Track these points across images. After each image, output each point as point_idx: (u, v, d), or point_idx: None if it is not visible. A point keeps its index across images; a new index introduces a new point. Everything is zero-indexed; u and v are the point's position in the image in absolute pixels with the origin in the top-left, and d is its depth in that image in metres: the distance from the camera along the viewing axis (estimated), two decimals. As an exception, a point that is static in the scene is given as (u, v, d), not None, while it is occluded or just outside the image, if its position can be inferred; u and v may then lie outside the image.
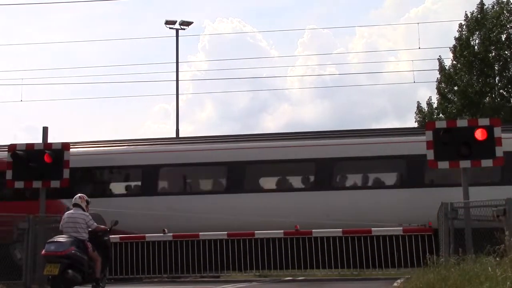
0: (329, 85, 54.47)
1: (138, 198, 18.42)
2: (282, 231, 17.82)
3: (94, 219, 11.23)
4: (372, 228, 17.22)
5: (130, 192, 19.23)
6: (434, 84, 34.83)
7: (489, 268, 7.51)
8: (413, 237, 17.05)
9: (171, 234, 18.16)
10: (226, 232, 18.35)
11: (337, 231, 17.49)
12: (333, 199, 17.86)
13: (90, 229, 10.84)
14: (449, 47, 34.04)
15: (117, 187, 19.58)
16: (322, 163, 18.06)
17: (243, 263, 18.17)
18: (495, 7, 33.39)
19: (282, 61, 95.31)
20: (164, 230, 18.14)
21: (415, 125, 37.91)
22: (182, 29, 31.46)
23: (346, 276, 18.12)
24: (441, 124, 14.58)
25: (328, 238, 17.51)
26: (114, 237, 17.22)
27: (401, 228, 17.02)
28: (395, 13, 68.90)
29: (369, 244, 17.36)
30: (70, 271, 10.05)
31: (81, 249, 10.39)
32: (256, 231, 17.87)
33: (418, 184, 17.50)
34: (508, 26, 33.03)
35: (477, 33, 33.40)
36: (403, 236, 17.17)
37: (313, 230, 17.67)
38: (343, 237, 17.44)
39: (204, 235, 18.43)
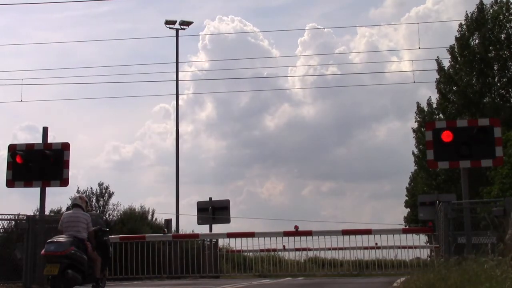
0: (330, 84, 54.50)
1: None
2: (282, 231, 17.85)
3: (94, 219, 11.25)
4: (372, 228, 17.25)
5: None
6: (434, 84, 34.87)
7: (489, 268, 7.51)
8: (413, 236, 17.10)
9: (171, 234, 18.16)
10: (226, 232, 18.33)
11: (337, 231, 17.50)
12: None
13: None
14: (446, 48, 34.06)
15: None
16: None
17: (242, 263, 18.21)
18: (494, 6, 33.36)
19: (284, 60, 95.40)
20: (164, 230, 18.14)
21: (415, 125, 37.99)
22: (182, 29, 31.45)
23: (346, 276, 18.14)
24: (441, 124, 14.59)
25: (328, 237, 17.54)
26: (114, 237, 17.23)
27: (401, 228, 17.11)
28: (396, 13, 68.98)
29: (369, 244, 17.39)
30: (70, 271, 10.03)
31: (81, 249, 10.38)
32: (256, 231, 17.89)
33: None
34: (507, 25, 33.01)
35: (476, 33, 33.39)
36: (403, 236, 17.24)
37: (312, 230, 17.69)
38: (343, 237, 17.45)
39: (203, 235, 18.42)
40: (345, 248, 18.43)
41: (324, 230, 18.13)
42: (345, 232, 17.41)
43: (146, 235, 18.78)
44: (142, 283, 16.22)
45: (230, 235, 18.56)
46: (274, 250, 20.45)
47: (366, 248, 18.25)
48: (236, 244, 19.08)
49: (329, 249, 19.05)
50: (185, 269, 18.34)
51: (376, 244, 18.19)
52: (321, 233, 18.00)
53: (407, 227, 37.57)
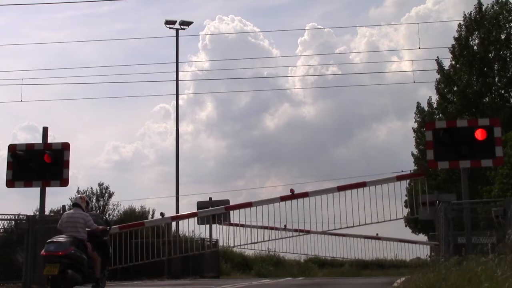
0: (331, 84, 54.53)
1: None
2: (279, 196, 17.86)
3: (94, 219, 11.22)
4: (366, 180, 17.28)
5: None
6: (434, 84, 34.84)
7: (489, 268, 7.50)
8: (406, 183, 17.12)
9: (170, 216, 18.18)
10: (223, 206, 18.37)
11: (333, 188, 17.46)
12: None
13: (88, 229, 10.82)
14: (448, 47, 34.04)
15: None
16: None
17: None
18: (494, 7, 33.34)
19: (284, 60, 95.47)
20: (162, 214, 18.16)
21: (415, 125, 37.96)
22: (182, 29, 31.49)
23: (346, 275, 18.17)
24: (441, 124, 14.60)
25: (324, 196, 17.38)
26: (113, 227, 17.15)
27: (395, 176, 17.27)
28: (396, 13, 69.03)
29: (364, 197, 17.34)
30: (69, 271, 10.03)
31: (81, 249, 10.37)
32: (253, 201, 17.94)
33: None
34: (507, 26, 32.99)
35: (476, 33, 33.36)
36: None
37: (308, 191, 17.67)
38: (339, 194, 17.30)
39: (202, 212, 18.49)
40: (345, 235, 18.41)
41: (320, 190, 18.06)
42: (341, 188, 17.44)
43: (145, 221, 18.63)
44: (142, 283, 16.22)
45: (228, 208, 18.57)
46: (273, 228, 20.10)
47: (366, 237, 18.24)
48: (234, 218, 18.89)
49: (331, 234, 18.98)
50: (185, 269, 18.35)
51: (377, 234, 18.20)
52: (317, 193, 17.85)
53: (407, 226, 37.55)
